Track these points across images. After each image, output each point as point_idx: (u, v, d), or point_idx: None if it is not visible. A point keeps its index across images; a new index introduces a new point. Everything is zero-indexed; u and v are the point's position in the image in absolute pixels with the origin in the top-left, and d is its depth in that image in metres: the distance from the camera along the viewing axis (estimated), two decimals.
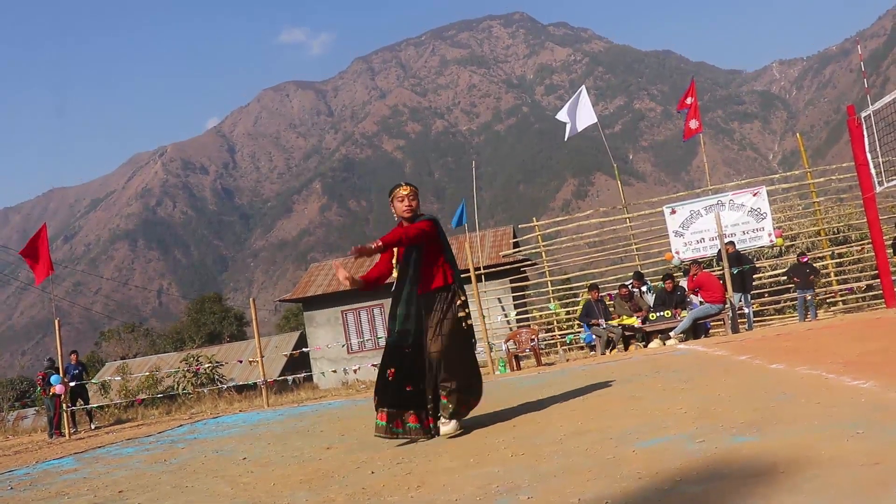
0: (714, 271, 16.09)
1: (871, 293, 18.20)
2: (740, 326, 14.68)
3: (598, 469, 3.43)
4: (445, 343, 5.29)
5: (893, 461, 2.79)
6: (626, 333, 14.37)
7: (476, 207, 22.27)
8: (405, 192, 5.69)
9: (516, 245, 26.11)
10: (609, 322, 14.58)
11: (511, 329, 20.84)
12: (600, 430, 4.51)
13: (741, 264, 15.40)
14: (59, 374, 14.78)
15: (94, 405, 21.55)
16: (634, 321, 14.22)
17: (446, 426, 5.27)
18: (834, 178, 19.06)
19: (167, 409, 19.40)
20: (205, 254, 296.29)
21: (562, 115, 20.15)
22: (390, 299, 5.66)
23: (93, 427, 16.37)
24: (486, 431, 5.28)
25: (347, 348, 29.43)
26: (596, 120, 19.80)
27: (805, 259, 16.85)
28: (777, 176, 20.74)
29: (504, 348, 15.67)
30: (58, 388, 14.67)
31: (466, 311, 5.47)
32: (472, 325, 5.51)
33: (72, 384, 15.74)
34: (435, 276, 5.47)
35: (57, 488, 5.57)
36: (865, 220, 14.63)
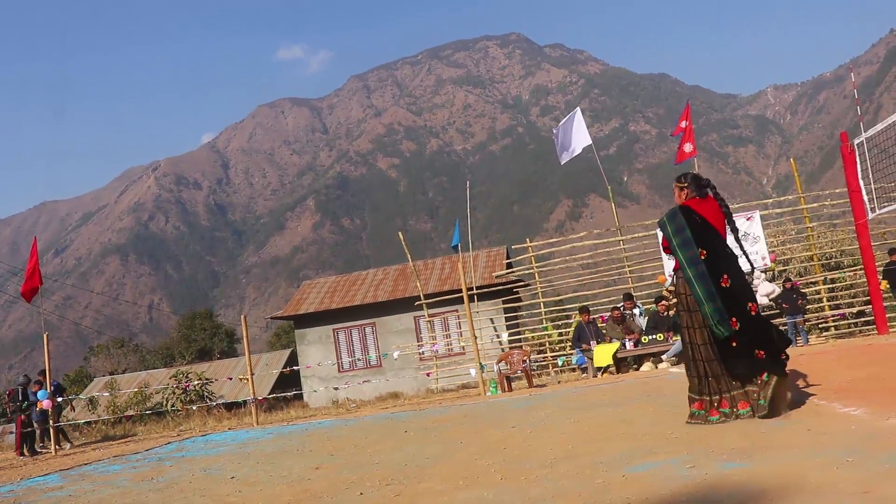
0: None
1: (862, 319, 18.22)
2: None
3: (588, 494, 3.41)
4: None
5: (883, 490, 2.78)
6: (618, 356, 14.32)
7: (470, 227, 22.31)
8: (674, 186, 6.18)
9: (509, 266, 26.07)
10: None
11: (503, 350, 20.78)
12: (590, 454, 4.49)
13: None
14: (44, 389, 14.68)
15: (82, 420, 21.41)
16: (608, 358, 14.04)
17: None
18: (827, 203, 19.11)
19: (155, 425, 19.27)
20: (196, 269, 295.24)
21: (557, 139, 20.19)
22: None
23: (66, 447, 15.80)
24: (476, 453, 5.25)
25: (338, 367, 29.32)
26: (590, 142, 19.86)
27: (793, 284, 16.87)
28: (771, 200, 20.81)
29: (496, 369, 15.62)
30: (45, 404, 14.56)
31: (672, 300, 5.65)
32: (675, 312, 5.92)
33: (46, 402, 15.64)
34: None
35: None
36: (858, 245, 14.68)
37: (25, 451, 15.22)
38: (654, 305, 15.35)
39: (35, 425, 15.81)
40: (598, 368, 14.24)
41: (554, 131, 20.42)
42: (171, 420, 20.47)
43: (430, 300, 22.81)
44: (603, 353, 14.12)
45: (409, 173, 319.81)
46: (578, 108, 21.12)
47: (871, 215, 12.89)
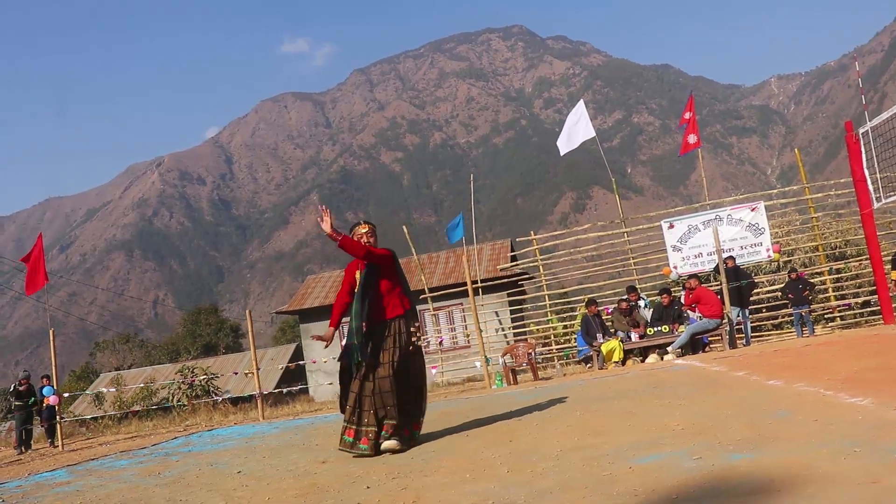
0: (712, 286, 16.06)
1: (868, 309, 18.19)
2: (738, 342, 14.67)
3: (595, 486, 3.41)
4: (396, 369, 5.75)
5: (891, 480, 2.77)
6: (624, 348, 14.29)
7: (474, 220, 22.29)
8: (363, 231, 6.17)
9: (514, 259, 26.07)
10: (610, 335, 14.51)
11: (508, 343, 20.80)
12: (596, 446, 4.49)
13: (739, 279, 15.38)
14: (50, 385, 14.75)
15: (88, 416, 21.48)
16: (619, 353, 13.99)
17: (389, 442, 5.64)
18: (832, 193, 19.08)
19: (161, 420, 19.32)
20: (201, 265, 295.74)
21: (562, 137, 20.09)
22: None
23: (27, 449, 15.69)
24: (482, 446, 5.25)
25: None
26: (594, 134, 19.80)
27: (798, 275, 16.82)
28: (775, 191, 20.74)
29: (501, 362, 15.63)
30: (52, 399, 14.61)
31: (417, 335, 5.96)
32: (419, 346, 6.00)
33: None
34: (390, 305, 5.93)
35: (49, 501, 5.53)
36: (863, 235, 14.64)
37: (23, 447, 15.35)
38: (658, 297, 15.32)
39: (41, 421, 15.95)
40: (605, 360, 14.22)
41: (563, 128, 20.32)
42: (177, 415, 20.52)
43: (434, 293, 22.82)
44: (611, 348, 14.05)
45: (412, 167, 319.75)
46: (582, 101, 21.06)
47: (876, 205, 12.85)
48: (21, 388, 16.17)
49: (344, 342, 6.00)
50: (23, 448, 15.29)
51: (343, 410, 5.93)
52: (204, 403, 22.53)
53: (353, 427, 5.74)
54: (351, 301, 6.01)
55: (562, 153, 20.43)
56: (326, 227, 5.77)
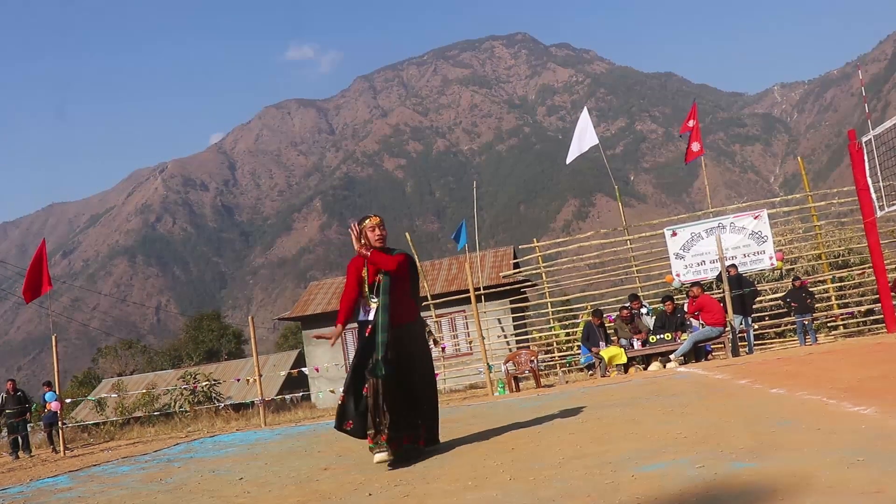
0: (714, 294, 16.04)
1: (871, 318, 18.13)
2: (741, 350, 14.64)
3: (597, 494, 3.40)
4: (423, 376, 5.74)
5: (894, 489, 2.76)
6: (627, 356, 14.27)
7: (476, 228, 22.29)
8: (375, 223, 5.78)
9: (516, 266, 26.03)
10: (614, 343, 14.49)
11: (510, 350, 20.77)
12: (599, 454, 4.48)
13: (742, 287, 15.36)
14: (52, 391, 14.76)
15: (90, 422, 21.47)
16: (622, 357, 13.97)
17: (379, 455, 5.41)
18: (835, 201, 19.04)
19: (164, 426, 19.30)
20: (204, 271, 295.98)
21: (572, 148, 20.05)
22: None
23: (28, 454, 15.62)
24: (484, 454, 5.24)
25: (346, 368, 29.31)
26: (597, 141, 19.81)
27: (801, 283, 16.81)
28: (778, 199, 20.71)
29: (503, 369, 15.61)
30: (53, 405, 14.63)
31: (433, 337, 5.96)
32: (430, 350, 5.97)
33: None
34: (408, 310, 5.78)
35: None
36: (866, 244, 14.62)
37: (20, 453, 15.33)
38: (661, 305, 15.29)
39: (43, 427, 15.95)
40: (607, 366, 14.20)
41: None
42: (179, 421, 20.51)
43: (437, 300, 22.80)
44: (613, 353, 14.04)
45: (415, 174, 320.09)
46: (586, 108, 21.07)
47: (879, 213, 12.84)
48: (8, 393, 16.02)
49: (357, 343, 5.79)
50: (18, 454, 15.23)
51: (347, 417, 5.67)
52: (206, 409, 22.51)
53: (376, 431, 5.43)
54: (358, 297, 5.78)
55: (567, 161, 20.41)
56: (357, 245, 5.66)
